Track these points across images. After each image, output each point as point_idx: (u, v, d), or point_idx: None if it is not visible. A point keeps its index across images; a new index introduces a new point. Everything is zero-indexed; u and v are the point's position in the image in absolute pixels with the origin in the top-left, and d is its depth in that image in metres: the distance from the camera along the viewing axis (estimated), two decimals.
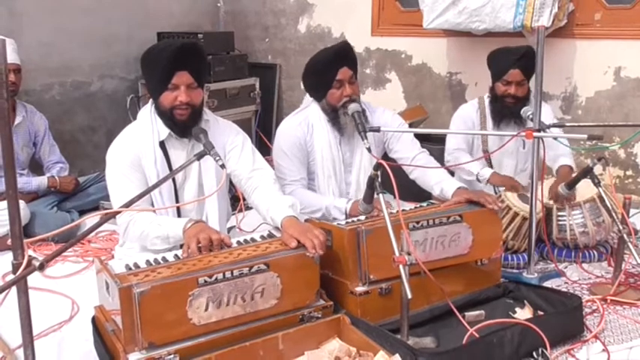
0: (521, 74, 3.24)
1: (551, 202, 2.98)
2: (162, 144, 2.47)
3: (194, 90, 2.39)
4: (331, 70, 2.79)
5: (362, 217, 2.51)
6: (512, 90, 3.26)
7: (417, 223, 2.30)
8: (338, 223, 2.40)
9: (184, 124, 2.40)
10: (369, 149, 2.55)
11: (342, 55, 2.83)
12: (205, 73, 2.58)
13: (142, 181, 2.41)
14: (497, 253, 2.55)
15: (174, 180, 2.47)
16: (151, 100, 2.51)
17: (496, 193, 3.23)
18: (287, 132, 2.94)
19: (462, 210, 2.47)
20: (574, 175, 3.05)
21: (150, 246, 2.36)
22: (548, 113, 3.35)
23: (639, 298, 2.57)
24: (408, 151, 2.96)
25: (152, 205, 2.45)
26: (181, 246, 2.24)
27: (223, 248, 2.15)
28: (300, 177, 2.91)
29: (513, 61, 3.23)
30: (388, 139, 3.01)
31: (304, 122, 2.93)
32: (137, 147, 2.44)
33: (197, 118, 2.44)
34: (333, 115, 2.85)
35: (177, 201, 2.50)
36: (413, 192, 3.01)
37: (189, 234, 2.20)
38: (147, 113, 2.50)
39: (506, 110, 3.32)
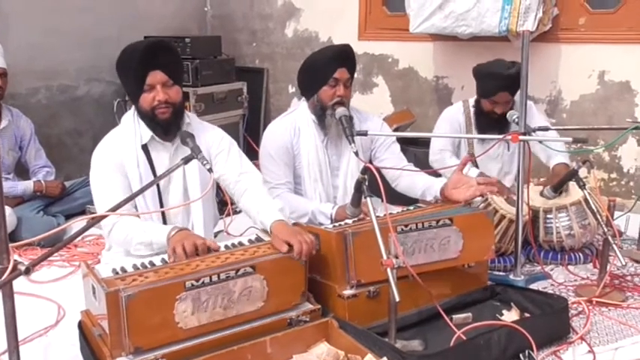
0: (509, 95, 3.25)
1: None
2: (145, 147, 2.46)
3: (170, 88, 2.39)
4: (331, 66, 2.80)
5: (348, 222, 2.51)
6: (499, 110, 3.28)
7: (406, 226, 2.30)
8: (325, 227, 2.40)
9: (167, 123, 2.40)
10: (356, 153, 2.56)
11: (344, 55, 2.85)
12: (180, 70, 2.58)
13: (125, 184, 2.41)
14: (490, 256, 2.56)
15: (157, 184, 2.46)
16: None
17: (483, 196, 3.24)
18: (273, 135, 2.94)
19: (451, 213, 2.47)
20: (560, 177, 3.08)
21: (133, 251, 2.35)
22: (539, 115, 3.38)
23: (624, 299, 2.59)
24: (395, 163, 2.97)
25: (135, 208, 2.44)
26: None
27: (210, 252, 2.15)
28: (285, 180, 2.91)
29: (503, 86, 3.22)
30: (376, 148, 3.02)
31: (291, 126, 2.93)
32: (120, 151, 2.44)
33: (179, 116, 2.44)
34: (321, 113, 2.86)
35: (161, 204, 2.49)
36: (400, 196, 3.01)
37: (173, 241, 2.19)
38: (130, 117, 2.51)
39: (490, 124, 3.34)
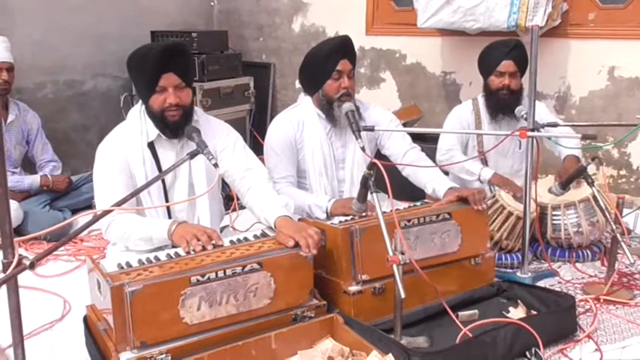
0: (513, 65, 3.25)
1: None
2: (151, 145, 2.45)
3: (182, 90, 2.37)
4: (332, 59, 2.79)
5: (347, 218, 2.49)
6: (507, 81, 3.26)
7: (409, 221, 2.31)
8: (331, 223, 2.39)
9: (176, 125, 2.38)
10: (362, 148, 2.54)
11: (344, 47, 2.83)
12: (192, 72, 2.57)
13: (127, 184, 2.38)
14: (486, 250, 2.55)
15: (163, 180, 2.45)
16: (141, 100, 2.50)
17: (491, 191, 3.23)
18: (277, 129, 2.94)
19: (451, 208, 2.48)
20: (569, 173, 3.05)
21: (132, 247, 2.35)
22: (544, 111, 3.35)
23: (632, 297, 2.57)
24: (400, 147, 2.96)
25: (141, 205, 2.43)
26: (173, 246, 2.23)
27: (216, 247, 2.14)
28: (287, 174, 2.90)
29: (505, 53, 3.25)
30: (380, 137, 3.01)
31: (295, 119, 2.92)
32: (125, 148, 2.42)
33: (188, 117, 2.42)
34: (328, 107, 2.85)
35: (167, 201, 2.48)
36: (406, 191, 3.00)
37: (182, 234, 2.19)
38: (136, 113, 2.48)
39: (501, 104, 3.32)
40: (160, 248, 2.28)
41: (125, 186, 2.36)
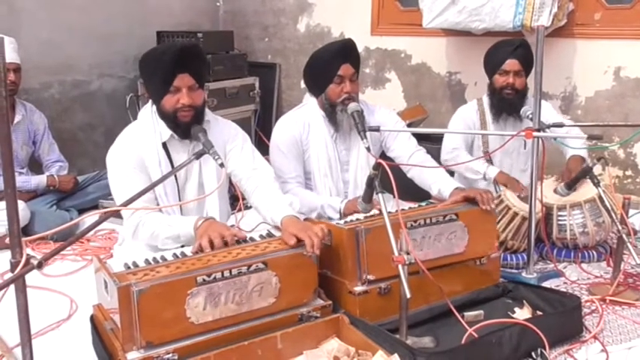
0: (518, 64, 3.26)
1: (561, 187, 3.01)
2: (164, 145, 2.46)
3: (195, 91, 2.38)
4: (334, 64, 2.79)
5: (358, 216, 2.50)
6: (511, 79, 3.27)
7: (415, 222, 2.31)
8: (337, 223, 2.39)
9: (188, 125, 2.38)
10: (368, 148, 2.55)
11: (346, 51, 2.83)
12: (206, 74, 2.58)
13: (146, 182, 2.37)
14: (495, 251, 2.55)
15: (177, 181, 2.47)
16: (151, 101, 2.50)
17: (496, 192, 3.23)
18: (283, 129, 2.94)
19: (457, 209, 2.47)
20: (574, 174, 3.05)
21: (161, 246, 2.35)
22: (550, 111, 3.35)
23: (638, 298, 2.57)
24: (405, 149, 2.96)
25: (158, 204, 2.44)
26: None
27: (240, 243, 2.16)
28: (295, 174, 2.91)
29: (510, 52, 3.27)
30: (385, 138, 3.01)
31: (301, 120, 2.93)
32: (140, 148, 2.42)
33: (200, 118, 2.43)
34: (331, 110, 2.85)
35: (179, 200, 2.49)
36: (411, 192, 3.00)
37: (200, 232, 2.20)
38: (148, 114, 2.49)
39: (504, 103, 3.33)
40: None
41: (144, 185, 2.34)
